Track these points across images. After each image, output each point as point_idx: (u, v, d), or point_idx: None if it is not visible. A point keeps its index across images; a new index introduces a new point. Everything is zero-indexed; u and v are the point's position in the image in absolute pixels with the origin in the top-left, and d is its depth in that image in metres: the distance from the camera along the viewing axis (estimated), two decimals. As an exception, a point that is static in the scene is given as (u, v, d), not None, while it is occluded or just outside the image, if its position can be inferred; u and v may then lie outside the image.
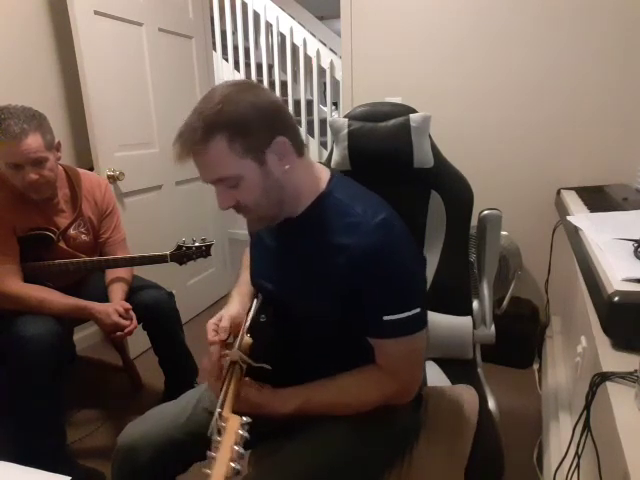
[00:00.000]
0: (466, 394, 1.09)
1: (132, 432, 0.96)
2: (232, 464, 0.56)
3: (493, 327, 1.32)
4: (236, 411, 0.70)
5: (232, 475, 0.55)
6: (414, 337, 0.82)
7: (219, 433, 0.62)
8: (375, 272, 0.78)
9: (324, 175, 0.89)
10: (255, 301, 1.00)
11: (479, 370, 1.35)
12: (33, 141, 1.34)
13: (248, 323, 0.91)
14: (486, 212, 1.31)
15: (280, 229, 0.89)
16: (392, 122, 1.13)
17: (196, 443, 0.89)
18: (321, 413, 0.85)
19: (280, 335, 0.89)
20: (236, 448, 0.57)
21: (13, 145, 1.32)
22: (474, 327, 1.29)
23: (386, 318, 0.80)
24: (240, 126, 0.75)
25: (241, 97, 0.76)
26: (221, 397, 0.73)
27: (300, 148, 0.84)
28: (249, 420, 0.63)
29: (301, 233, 0.87)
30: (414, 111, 1.18)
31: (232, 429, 0.61)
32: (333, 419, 0.85)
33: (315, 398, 0.85)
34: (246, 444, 0.60)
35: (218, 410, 0.68)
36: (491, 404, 1.20)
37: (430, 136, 1.20)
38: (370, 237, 0.78)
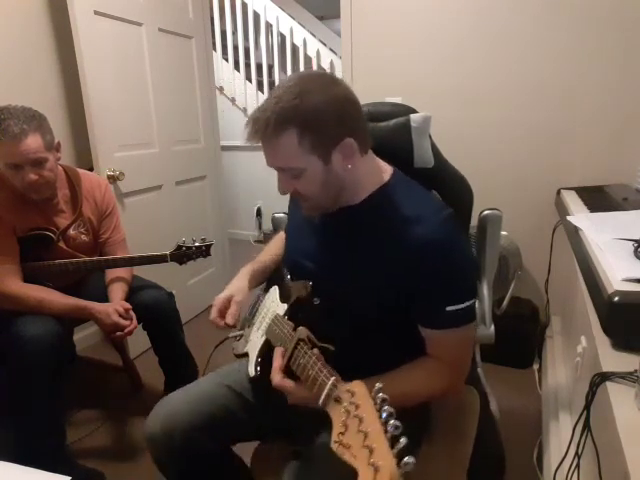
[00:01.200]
0: (467, 395, 1.09)
1: (161, 416, 0.94)
2: (392, 421, 0.50)
3: (493, 327, 1.32)
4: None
5: (393, 429, 0.49)
6: (469, 327, 0.84)
7: (339, 400, 0.58)
8: (442, 263, 0.80)
9: (387, 169, 0.92)
10: (276, 287, 1.02)
11: (479, 370, 1.35)
12: (33, 141, 1.34)
13: (283, 306, 0.92)
14: (487, 212, 1.30)
15: (334, 215, 0.91)
16: (393, 122, 1.13)
17: (228, 418, 0.95)
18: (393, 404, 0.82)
19: (329, 319, 0.87)
20: (386, 407, 0.52)
21: (13, 145, 1.32)
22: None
23: (449, 309, 0.81)
24: (313, 124, 0.77)
25: (319, 94, 0.78)
26: (318, 370, 0.69)
27: (366, 146, 0.86)
28: (381, 385, 0.56)
29: (358, 220, 0.88)
30: (414, 111, 1.18)
31: (364, 392, 0.56)
32: None
33: (389, 388, 0.82)
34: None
35: (332, 378, 0.65)
36: (492, 404, 1.20)
37: (430, 136, 1.20)
38: (439, 229, 0.81)
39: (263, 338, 0.93)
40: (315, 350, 0.74)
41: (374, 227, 0.86)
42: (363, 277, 0.85)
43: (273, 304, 0.98)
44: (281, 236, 1.19)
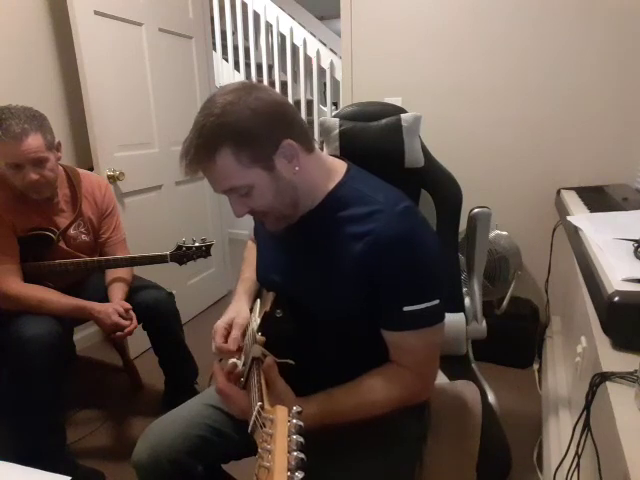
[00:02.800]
0: (467, 390, 1.09)
1: (147, 444, 0.90)
2: (294, 453, 0.50)
3: (484, 322, 1.33)
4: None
5: (296, 465, 0.49)
6: (433, 329, 0.80)
7: (263, 426, 0.58)
8: (398, 260, 0.77)
9: (340, 167, 0.88)
10: (258, 301, 1.00)
11: (473, 365, 1.35)
12: (34, 141, 1.34)
13: (258, 321, 0.89)
14: (476, 210, 1.31)
15: (296, 222, 0.88)
16: (384, 122, 1.13)
17: (217, 438, 0.92)
18: (346, 417, 0.80)
19: (294, 331, 0.86)
20: (294, 437, 0.52)
21: (14, 145, 1.32)
22: (466, 323, 1.30)
23: (406, 309, 0.78)
24: (244, 136, 0.74)
25: (241, 105, 0.74)
26: (255, 393, 0.70)
27: (309, 144, 0.82)
28: (299, 409, 0.56)
29: (316, 225, 0.85)
30: (403, 111, 1.18)
31: (283, 419, 0.56)
32: (351, 449, 0.82)
33: (339, 398, 0.80)
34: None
35: (259, 404, 0.65)
36: (490, 398, 1.21)
37: (419, 136, 1.20)
38: (394, 224, 0.77)
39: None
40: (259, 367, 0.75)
41: (331, 229, 0.83)
42: (325, 283, 0.83)
43: (253, 319, 0.96)
44: (253, 246, 1.15)
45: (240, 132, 0.73)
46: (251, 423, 0.63)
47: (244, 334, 0.93)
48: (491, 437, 1.00)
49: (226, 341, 0.92)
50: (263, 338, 0.82)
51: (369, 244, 0.77)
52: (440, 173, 1.17)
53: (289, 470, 0.48)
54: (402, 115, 1.10)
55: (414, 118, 1.10)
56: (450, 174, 1.19)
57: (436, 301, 0.79)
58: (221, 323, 0.94)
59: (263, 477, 0.49)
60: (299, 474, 0.48)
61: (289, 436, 0.53)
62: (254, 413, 0.63)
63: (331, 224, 0.83)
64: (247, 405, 0.73)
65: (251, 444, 0.96)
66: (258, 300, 1.01)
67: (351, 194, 0.83)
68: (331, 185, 0.85)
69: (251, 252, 1.14)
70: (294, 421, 0.54)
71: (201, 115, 0.75)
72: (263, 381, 0.73)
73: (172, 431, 0.90)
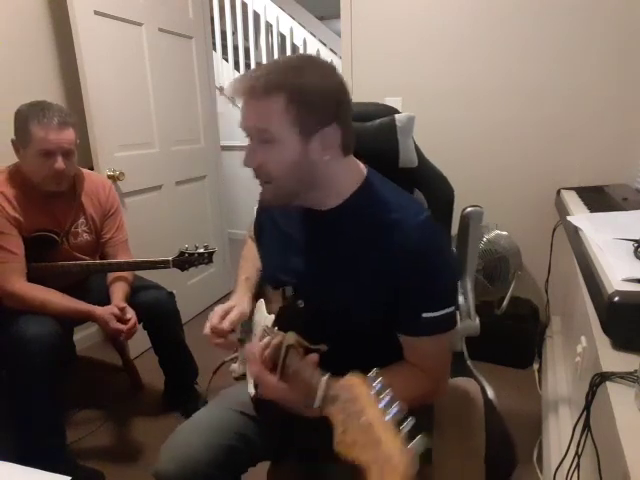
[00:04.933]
0: (468, 386, 1.10)
1: (173, 454, 0.86)
2: (393, 409, 0.48)
3: (477, 320, 1.34)
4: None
5: (398, 421, 0.47)
6: (447, 335, 0.82)
7: (334, 400, 0.56)
8: (420, 270, 0.78)
9: (363, 170, 0.88)
10: (262, 301, 0.99)
11: (468, 362, 1.36)
12: (70, 133, 1.43)
13: (269, 317, 0.90)
14: (469, 209, 1.32)
15: (311, 221, 0.88)
16: (378, 122, 1.13)
17: (244, 445, 0.89)
18: None
19: (309, 326, 0.83)
20: (385, 396, 0.50)
21: (56, 132, 1.39)
22: (460, 320, 1.31)
23: (425, 315, 0.79)
24: (303, 98, 0.75)
25: (318, 75, 0.77)
26: (309, 372, 0.68)
27: (349, 146, 0.83)
28: (376, 371, 0.55)
29: (337, 226, 0.85)
30: (396, 111, 1.18)
31: (361, 383, 0.54)
32: None
33: None
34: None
35: (326, 376, 0.63)
36: (490, 394, 1.21)
37: (412, 136, 1.20)
38: (417, 234, 0.79)
39: None
40: (295, 355, 0.73)
41: (353, 233, 0.84)
42: (343, 286, 0.83)
43: (262, 318, 0.96)
44: (252, 244, 1.14)
45: (302, 92, 0.75)
46: (320, 397, 0.62)
47: (236, 326, 0.94)
48: (494, 432, 1.00)
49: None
50: (292, 333, 0.79)
51: (391, 252, 0.78)
52: (432, 173, 1.17)
53: (396, 427, 0.47)
54: (396, 115, 1.11)
55: (408, 118, 1.11)
56: (442, 174, 1.19)
57: (452, 308, 0.82)
58: (219, 307, 0.95)
59: (361, 437, 0.48)
60: (409, 421, 0.47)
61: (379, 397, 0.51)
62: (322, 387, 0.62)
63: (353, 228, 0.84)
64: (297, 388, 0.71)
65: (270, 448, 0.94)
66: (261, 300, 1.01)
67: (373, 199, 0.84)
68: (353, 188, 0.85)
69: (251, 250, 1.13)
70: (376, 382, 0.53)
71: (281, 58, 0.81)
72: (310, 363, 0.71)
73: (199, 440, 0.87)
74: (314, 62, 0.80)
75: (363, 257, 0.81)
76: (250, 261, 1.11)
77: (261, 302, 1.00)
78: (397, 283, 0.79)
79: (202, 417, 0.93)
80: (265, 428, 0.93)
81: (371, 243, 0.81)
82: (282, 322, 0.85)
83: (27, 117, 1.38)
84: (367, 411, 0.51)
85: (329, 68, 0.80)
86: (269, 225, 0.99)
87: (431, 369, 0.84)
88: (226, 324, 0.92)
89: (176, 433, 0.90)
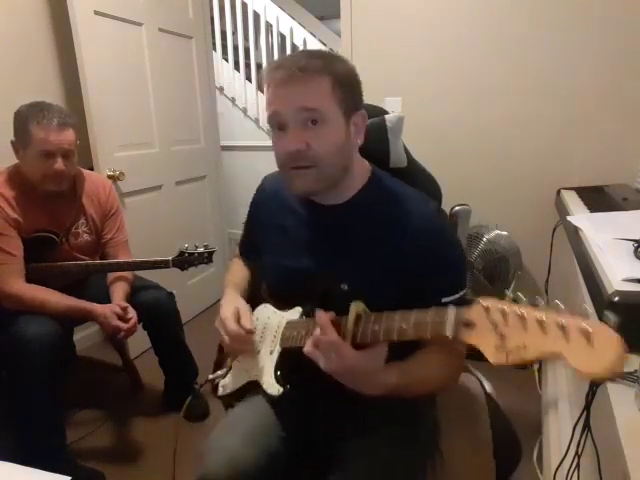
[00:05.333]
0: (467, 380, 1.10)
1: (222, 459, 0.81)
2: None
3: None
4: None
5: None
6: None
7: (466, 324, 0.58)
8: (437, 255, 0.81)
9: (367, 164, 0.92)
10: (268, 305, 0.98)
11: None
12: (70, 134, 1.44)
13: (288, 316, 0.90)
14: (457, 208, 1.33)
15: (325, 215, 0.89)
16: (369, 122, 1.14)
17: (283, 448, 0.87)
18: (413, 390, 0.79)
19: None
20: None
21: (56, 133, 1.39)
22: None
23: (445, 300, 0.80)
24: (346, 81, 0.80)
25: (346, 62, 0.83)
26: (405, 322, 0.67)
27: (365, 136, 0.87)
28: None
29: (354, 217, 0.87)
30: (385, 112, 1.18)
31: (499, 301, 0.57)
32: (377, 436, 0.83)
33: (411, 371, 0.78)
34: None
35: (453, 307, 0.62)
36: (487, 387, 1.22)
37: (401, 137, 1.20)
38: (431, 221, 0.83)
39: (277, 352, 0.90)
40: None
41: (366, 227, 0.86)
42: (371, 277, 0.83)
43: (273, 318, 0.95)
44: (240, 264, 1.12)
45: (346, 75, 0.81)
46: (451, 327, 0.61)
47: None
48: (497, 424, 1.01)
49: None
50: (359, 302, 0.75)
51: (407, 242, 0.81)
52: (421, 173, 1.18)
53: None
54: (386, 116, 1.11)
55: (397, 119, 1.11)
56: (430, 174, 1.20)
57: (465, 290, 0.84)
58: (226, 314, 0.91)
59: (535, 332, 0.50)
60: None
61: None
62: (451, 315, 0.61)
63: (365, 220, 0.86)
64: (374, 353, 0.70)
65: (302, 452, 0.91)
66: (263, 305, 0.99)
67: (384, 191, 0.88)
68: (364, 181, 0.88)
69: (238, 271, 1.10)
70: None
71: (307, 50, 0.88)
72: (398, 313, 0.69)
73: (244, 444, 0.84)
74: (336, 54, 0.86)
75: (379, 249, 0.83)
76: (236, 273, 1.09)
77: (265, 306, 0.99)
78: (414, 271, 0.81)
79: (241, 418, 0.90)
80: (296, 427, 0.91)
81: (386, 235, 0.83)
82: (330, 304, 0.82)
83: (27, 118, 1.39)
84: (528, 311, 0.53)
85: (346, 59, 0.86)
86: (270, 231, 0.98)
87: (453, 351, 0.84)
88: (247, 325, 0.90)
89: (218, 436, 0.87)
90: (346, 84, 0.80)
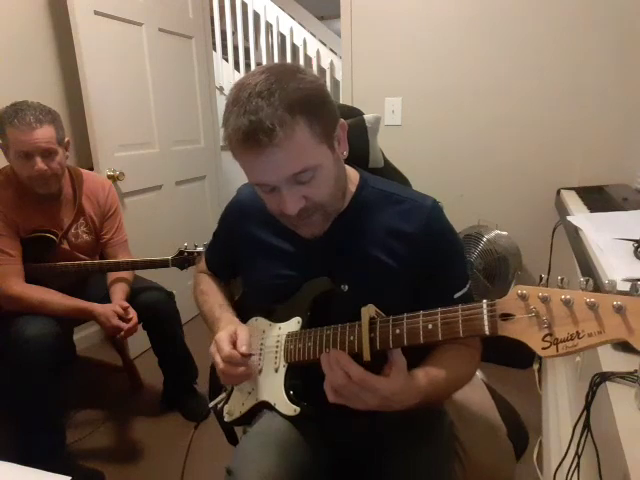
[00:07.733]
0: None
1: (255, 472, 0.75)
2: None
3: None
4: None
5: None
6: None
7: (506, 316, 0.54)
8: (442, 251, 0.80)
9: (353, 169, 0.88)
10: (263, 319, 0.92)
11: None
12: (46, 132, 1.39)
13: (285, 328, 0.85)
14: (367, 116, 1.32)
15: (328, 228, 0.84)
16: (349, 122, 1.14)
17: (312, 459, 0.81)
18: (440, 394, 0.77)
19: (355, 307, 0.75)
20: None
21: (27, 133, 1.35)
22: None
23: (456, 295, 0.80)
24: (316, 107, 0.66)
25: (297, 79, 0.66)
26: (431, 322, 0.63)
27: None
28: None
29: (348, 227, 0.83)
30: (360, 112, 1.18)
31: (537, 288, 0.54)
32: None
33: (436, 375, 0.74)
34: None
35: (485, 301, 0.59)
36: (480, 375, 1.23)
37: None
38: (434, 218, 0.81)
39: (283, 368, 0.83)
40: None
41: (366, 230, 0.83)
42: (366, 276, 0.82)
43: (270, 332, 0.88)
44: (212, 281, 1.04)
45: (311, 102, 0.65)
46: (486, 325, 0.58)
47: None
48: (499, 407, 1.02)
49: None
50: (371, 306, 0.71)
51: (412, 242, 0.80)
52: (394, 173, 1.18)
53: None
54: (365, 116, 1.11)
55: (375, 119, 1.11)
56: (403, 175, 1.20)
57: (470, 282, 0.84)
58: (221, 335, 0.83)
59: (585, 318, 0.48)
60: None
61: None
62: (484, 312, 0.58)
63: (365, 225, 0.83)
64: (400, 383, 0.66)
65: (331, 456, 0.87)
66: (255, 318, 0.93)
67: (377, 195, 0.85)
68: (353, 187, 0.84)
69: (215, 289, 1.02)
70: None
71: (257, 86, 0.64)
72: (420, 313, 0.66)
73: (277, 459, 0.77)
74: (281, 67, 0.69)
75: (378, 249, 0.82)
76: (213, 294, 1.01)
77: (257, 320, 0.92)
78: (418, 269, 0.80)
79: (270, 429, 0.83)
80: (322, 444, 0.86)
81: (393, 233, 0.81)
82: (320, 314, 0.80)
83: (2, 119, 1.36)
84: (574, 295, 0.50)
85: (295, 66, 0.71)
86: (258, 241, 0.90)
87: (472, 344, 0.83)
88: (243, 348, 0.80)
89: (248, 449, 0.81)
90: (318, 108, 0.67)
